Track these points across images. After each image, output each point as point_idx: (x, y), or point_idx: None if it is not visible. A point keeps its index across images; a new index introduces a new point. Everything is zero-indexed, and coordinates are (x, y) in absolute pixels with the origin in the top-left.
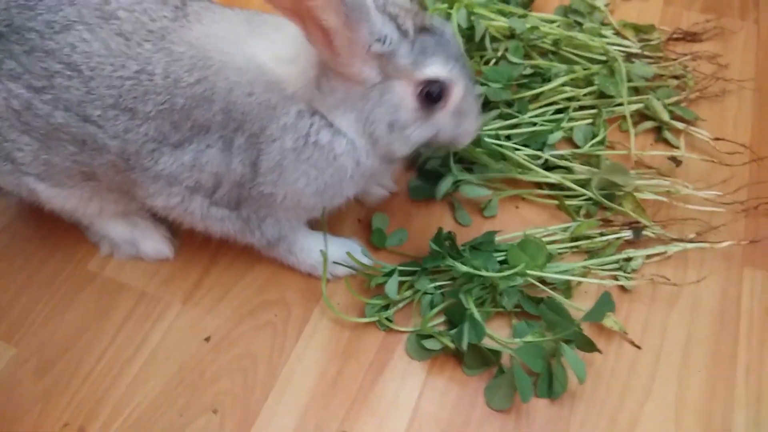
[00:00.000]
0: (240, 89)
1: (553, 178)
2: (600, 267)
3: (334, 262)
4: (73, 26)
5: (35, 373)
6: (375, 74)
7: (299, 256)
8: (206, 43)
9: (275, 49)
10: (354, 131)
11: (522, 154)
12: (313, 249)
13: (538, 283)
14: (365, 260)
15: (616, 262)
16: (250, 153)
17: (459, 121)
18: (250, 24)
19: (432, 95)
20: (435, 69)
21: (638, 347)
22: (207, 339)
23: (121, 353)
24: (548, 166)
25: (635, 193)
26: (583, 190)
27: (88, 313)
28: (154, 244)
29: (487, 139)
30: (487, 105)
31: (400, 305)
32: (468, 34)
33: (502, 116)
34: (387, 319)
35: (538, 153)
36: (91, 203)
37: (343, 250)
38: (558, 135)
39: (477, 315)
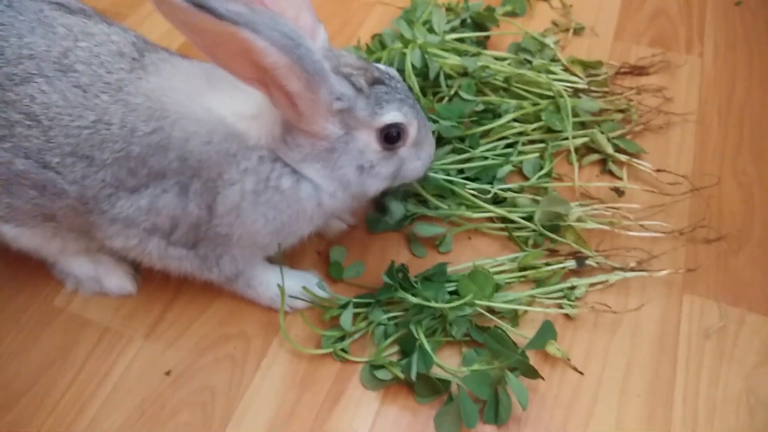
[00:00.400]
0: (197, 138)
1: (499, 212)
2: (545, 296)
3: (291, 296)
4: (33, 78)
5: (0, 409)
6: (338, 129)
7: (258, 290)
8: (162, 95)
9: (236, 106)
10: (321, 177)
11: (470, 189)
12: (271, 283)
13: (486, 313)
14: (321, 293)
15: (561, 290)
16: (206, 197)
17: (418, 150)
18: (210, 79)
19: (392, 136)
20: (391, 115)
21: (581, 373)
22: (168, 373)
23: (84, 388)
24: (497, 199)
25: (580, 223)
26: (528, 223)
27: (53, 348)
28: (118, 280)
29: (436, 176)
30: (440, 141)
31: (356, 336)
32: (423, 72)
33: (455, 151)
34: (342, 350)
35: (487, 187)
36: (53, 241)
37: (300, 284)
38: (507, 168)
39: (426, 345)
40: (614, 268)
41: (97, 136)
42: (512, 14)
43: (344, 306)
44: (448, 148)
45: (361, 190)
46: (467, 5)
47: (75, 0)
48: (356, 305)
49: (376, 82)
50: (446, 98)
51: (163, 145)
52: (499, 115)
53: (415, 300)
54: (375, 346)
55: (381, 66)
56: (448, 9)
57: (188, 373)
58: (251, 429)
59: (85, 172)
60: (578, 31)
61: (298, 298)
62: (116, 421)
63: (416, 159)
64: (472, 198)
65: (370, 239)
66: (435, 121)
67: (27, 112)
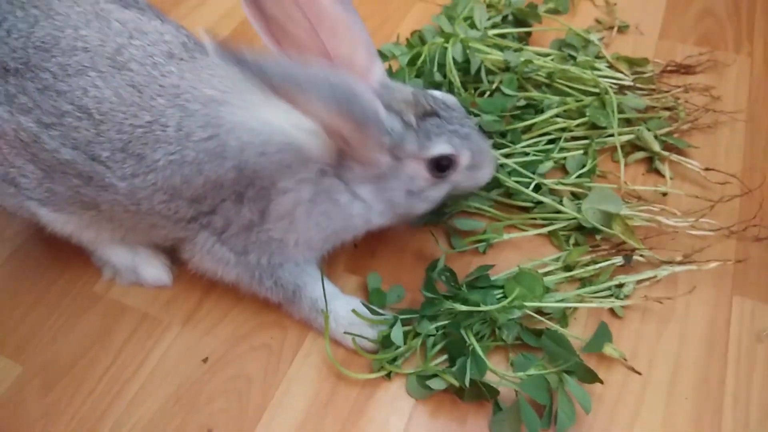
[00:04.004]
0: (252, 149)
1: (546, 212)
2: (593, 294)
3: (358, 335)
4: (86, 72)
5: (40, 390)
6: (388, 160)
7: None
8: (217, 105)
9: (295, 119)
10: (372, 198)
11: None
12: (340, 315)
13: (534, 315)
14: (377, 317)
15: (609, 288)
16: (259, 203)
17: (474, 172)
18: None
19: (443, 165)
20: (440, 148)
21: (639, 374)
22: (204, 360)
23: (121, 373)
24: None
25: (626, 220)
26: (575, 214)
27: (92, 333)
28: (154, 271)
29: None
30: None
31: (407, 355)
32: (464, 67)
33: (496, 146)
34: (395, 365)
35: (531, 176)
36: (87, 230)
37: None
38: (548, 165)
39: (479, 350)
40: (662, 262)
41: (151, 136)
42: (554, 12)
43: (392, 324)
44: (489, 142)
45: (409, 211)
46: (509, 1)
47: None
48: (403, 322)
49: (427, 114)
50: (487, 93)
51: (219, 152)
52: (541, 111)
53: (463, 307)
54: (425, 357)
55: (437, 94)
56: (489, 6)
57: (224, 361)
58: (286, 418)
59: (135, 170)
60: (622, 29)
61: (367, 339)
62: (152, 405)
63: (472, 180)
64: (518, 187)
65: (405, 234)
66: (476, 115)
67: (78, 104)
